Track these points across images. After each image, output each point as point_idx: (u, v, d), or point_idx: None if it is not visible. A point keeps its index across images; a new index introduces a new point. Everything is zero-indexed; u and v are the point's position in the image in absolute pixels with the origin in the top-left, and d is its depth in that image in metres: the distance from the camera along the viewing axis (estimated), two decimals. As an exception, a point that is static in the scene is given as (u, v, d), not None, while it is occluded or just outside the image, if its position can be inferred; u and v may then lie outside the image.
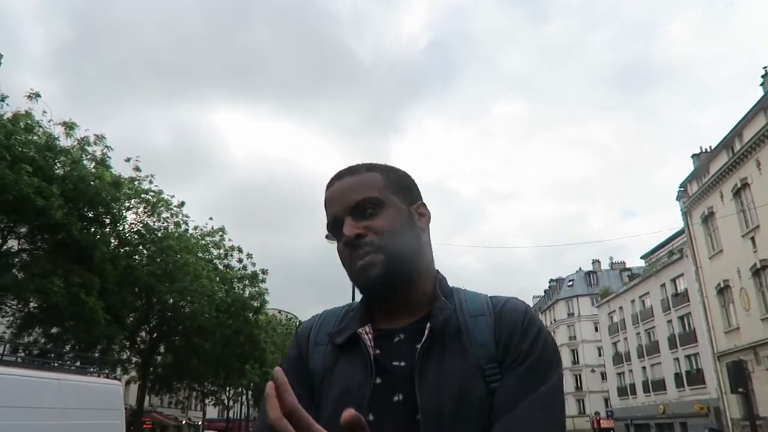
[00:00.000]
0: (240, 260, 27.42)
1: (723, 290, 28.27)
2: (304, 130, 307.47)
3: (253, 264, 27.82)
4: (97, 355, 17.95)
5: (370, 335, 1.12)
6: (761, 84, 26.45)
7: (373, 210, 1.13)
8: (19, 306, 17.19)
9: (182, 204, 23.94)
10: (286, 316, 62.66)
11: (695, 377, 35.20)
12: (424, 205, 1.23)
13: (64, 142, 17.34)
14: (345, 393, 1.07)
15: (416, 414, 1.02)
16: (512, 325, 1.09)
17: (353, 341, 1.13)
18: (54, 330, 18.27)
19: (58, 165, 16.81)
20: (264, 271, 27.95)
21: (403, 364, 1.08)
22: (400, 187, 1.19)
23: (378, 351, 1.10)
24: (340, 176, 1.19)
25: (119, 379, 18.57)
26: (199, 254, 24.12)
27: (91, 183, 17.09)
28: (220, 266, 26.28)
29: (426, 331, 1.08)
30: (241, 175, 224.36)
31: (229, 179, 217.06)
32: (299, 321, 58.84)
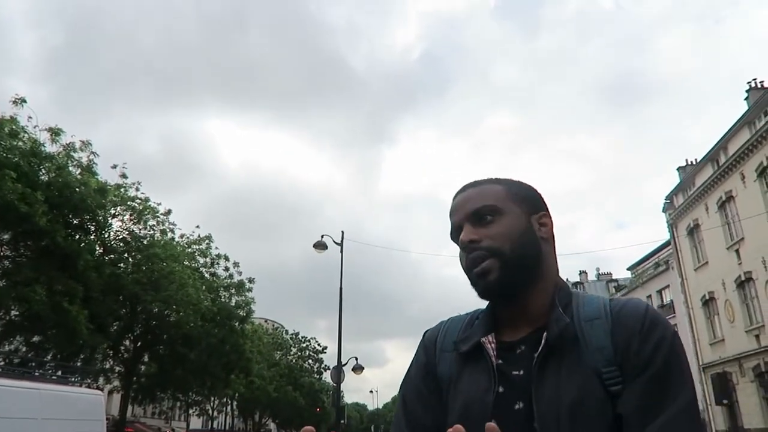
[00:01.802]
0: (226, 269, 27.23)
1: (708, 302, 28.49)
2: (297, 140, 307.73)
3: (240, 273, 27.66)
4: (79, 364, 17.67)
5: (492, 345, 1.16)
6: (745, 99, 26.82)
7: (492, 218, 1.17)
8: (0, 314, 16.89)
9: (169, 212, 23.77)
10: (273, 326, 62.28)
11: (681, 389, 35.33)
12: (548, 215, 1.25)
13: (50, 148, 17.18)
14: (470, 400, 1.13)
15: (534, 422, 1.05)
16: (631, 328, 1.08)
17: (477, 350, 1.18)
18: (35, 339, 17.98)
19: (43, 171, 16.62)
20: (251, 280, 27.80)
21: (521, 372, 1.11)
22: (522, 197, 1.22)
23: (500, 361, 1.15)
24: (464, 189, 1.25)
25: (101, 389, 18.35)
26: (186, 262, 23.90)
27: (77, 189, 16.91)
28: (206, 275, 26.03)
29: (543, 341, 1.10)
30: (233, 183, 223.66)
31: (220, 187, 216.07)
32: (286, 330, 58.46)
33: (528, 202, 1.22)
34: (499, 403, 1.10)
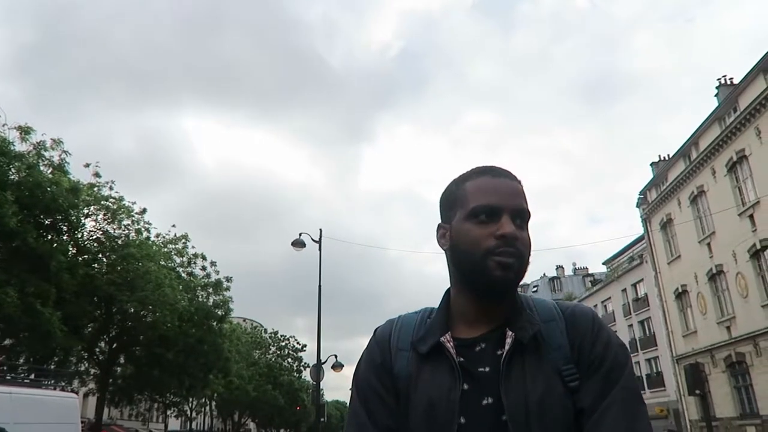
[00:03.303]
0: (203, 268, 26.94)
1: (681, 295, 29.06)
2: (276, 138, 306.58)
3: (217, 272, 27.39)
4: (53, 367, 17.37)
5: (451, 343, 1.19)
6: (715, 95, 27.37)
7: (522, 223, 1.21)
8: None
9: (144, 211, 23.42)
10: (252, 325, 61.85)
11: (655, 380, 36.05)
12: None
13: (20, 147, 16.81)
14: (435, 399, 1.15)
15: (503, 415, 1.10)
16: (584, 330, 1.18)
17: (436, 349, 1.20)
18: (7, 342, 17.63)
19: (13, 170, 16.26)
20: (228, 279, 27.53)
21: (488, 369, 1.15)
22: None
23: (462, 359, 1.17)
24: (512, 176, 1.26)
25: (76, 392, 18.04)
26: (162, 262, 23.59)
27: (48, 189, 16.57)
28: (183, 274, 25.74)
29: (508, 340, 1.15)
30: (210, 182, 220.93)
31: (197, 186, 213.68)
32: (265, 329, 58.12)
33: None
34: (466, 400, 1.13)
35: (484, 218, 1.19)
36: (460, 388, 1.14)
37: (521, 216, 1.21)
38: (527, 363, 1.14)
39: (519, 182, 1.26)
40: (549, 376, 1.12)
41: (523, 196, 1.24)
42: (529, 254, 1.21)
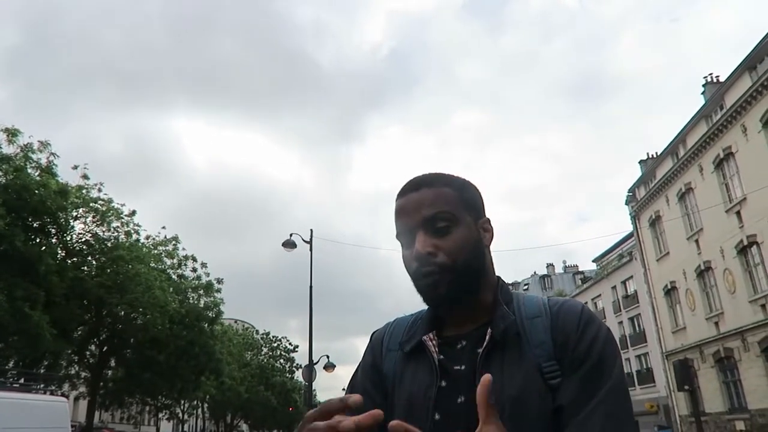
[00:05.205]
0: (194, 269, 26.85)
1: (670, 291, 29.28)
2: (267, 139, 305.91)
3: (207, 274, 27.31)
4: (42, 371, 17.25)
5: (434, 342, 1.20)
6: (702, 93, 27.62)
7: (446, 227, 1.17)
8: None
9: (133, 213, 23.31)
10: (243, 326, 61.66)
11: (645, 376, 36.30)
12: (489, 221, 1.27)
13: (7, 150, 16.71)
14: (413, 396, 1.17)
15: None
16: (569, 326, 1.14)
17: (420, 348, 1.21)
18: (-4, 346, 17.47)
19: (0, 173, 16.14)
20: (219, 281, 27.47)
21: (463, 367, 1.15)
22: (471, 204, 1.23)
23: (442, 356, 1.18)
24: (416, 187, 1.21)
25: (67, 396, 17.91)
26: (152, 264, 23.48)
27: (36, 192, 16.47)
28: (173, 276, 25.64)
29: (487, 337, 1.14)
30: (201, 183, 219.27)
31: (188, 187, 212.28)
32: (257, 330, 58.01)
33: (475, 209, 1.24)
34: (442, 398, 1.13)
35: (406, 242, 1.20)
36: (437, 385, 1.14)
37: (437, 220, 1.16)
38: (506, 360, 1.12)
39: (430, 186, 1.20)
40: (528, 373, 1.10)
41: (432, 201, 1.18)
42: (464, 257, 1.16)
